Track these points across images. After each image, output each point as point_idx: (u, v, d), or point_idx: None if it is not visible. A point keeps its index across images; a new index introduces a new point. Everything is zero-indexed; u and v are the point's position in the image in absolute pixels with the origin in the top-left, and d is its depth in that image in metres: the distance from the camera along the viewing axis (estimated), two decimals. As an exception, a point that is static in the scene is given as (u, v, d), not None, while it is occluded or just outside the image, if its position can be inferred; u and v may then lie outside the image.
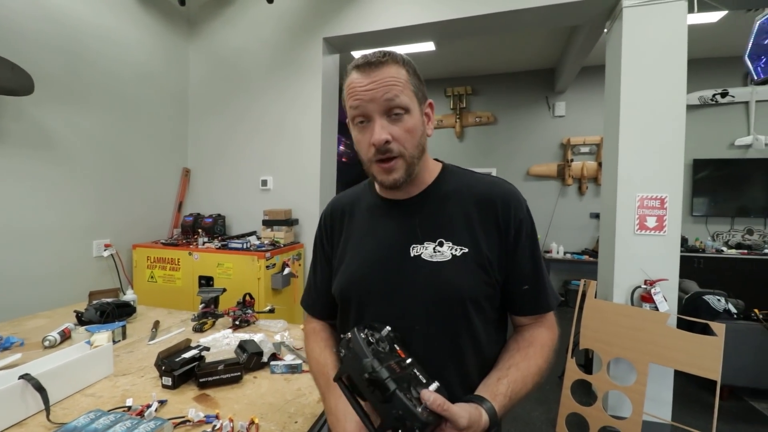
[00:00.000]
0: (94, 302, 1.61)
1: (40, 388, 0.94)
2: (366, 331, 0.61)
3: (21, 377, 0.93)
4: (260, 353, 1.22)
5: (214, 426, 0.90)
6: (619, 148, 2.30)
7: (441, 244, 0.71)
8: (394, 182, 0.71)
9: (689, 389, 2.78)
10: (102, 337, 1.32)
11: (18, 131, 2.08)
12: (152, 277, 2.70)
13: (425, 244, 0.72)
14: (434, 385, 0.57)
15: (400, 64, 0.69)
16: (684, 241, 4.45)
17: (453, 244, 0.70)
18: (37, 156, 2.18)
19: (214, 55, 3.24)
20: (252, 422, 0.90)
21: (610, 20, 2.50)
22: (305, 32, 2.98)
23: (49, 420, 0.91)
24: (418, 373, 0.59)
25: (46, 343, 1.33)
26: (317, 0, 2.94)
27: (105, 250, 2.55)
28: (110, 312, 1.55)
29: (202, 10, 3.25)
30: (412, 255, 0.72)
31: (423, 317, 0.70)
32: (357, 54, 4.39)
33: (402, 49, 4.03)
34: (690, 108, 4.59)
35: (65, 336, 1.40)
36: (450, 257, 0.70)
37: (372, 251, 0.77)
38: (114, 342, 1.38)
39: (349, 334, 0.60)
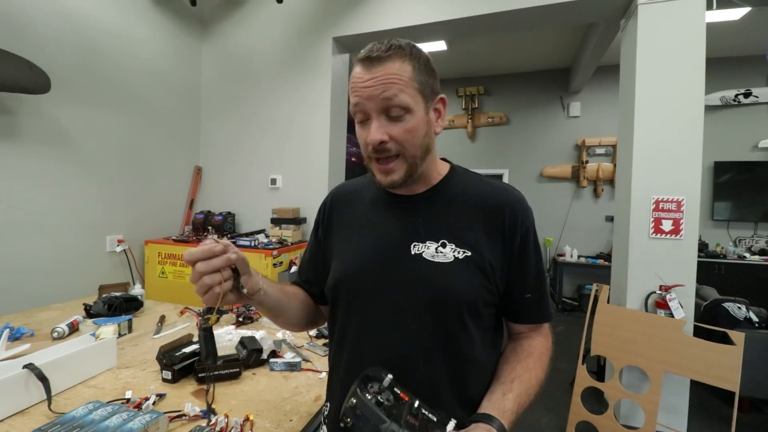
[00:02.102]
0: (103, 296, 1.64)
1: (42, 378, 0.96)
2: (368, 386, 0.57)
3: (25, 366, 0.95)
4: (260, 350, 1.21)
5: (209, 421, 0.90)
6: (634, 149, 2.24)
7: (444, 245, 0.69)
8: (392, 183, 0.69)
9: (707, 400, 2.68)
10: (108, 329, 1.34)
11: (35, 129, 2.15)
12: (163, 272, 2.74)
13: (427, 243, 0.70)
14: (451, 424, 0.56)
15: (406, 59, 0.65)
16: (704, 246, 4.31)
17: (456, 246, 0.68)
18: (53, 153, 2.24)
19: (225, 54, 3.28)
20: (247, 419, 0.90)
21: (625, 17, 2.44)
22: (315, 32, 2.99)
23: (50, 409, 0.92)
24: (428, 414, 0.57)
25: (55, 335, 1.35)
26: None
27: (118, 245, 2.60)
28: (118, 305, 1.57)
29: (214, 10, 3.30)
30: (413, 253, 0.70)
31: (419, 316, 0.69)
32: (369, 54, 4.39)
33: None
34: (711, 109, 4.45)
35: (74, 328, 1.42)
36: (452, 259, 0.68)
37: (371, 245, 0.75)
38: (120, 335, 1.40)
39: (353, 400, 0.54)
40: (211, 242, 0.61)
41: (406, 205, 0.75)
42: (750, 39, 3.88)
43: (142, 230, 2.82)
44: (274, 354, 1.25)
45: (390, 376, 0.59)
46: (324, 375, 1.17)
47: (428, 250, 0.69)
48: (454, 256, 0.68)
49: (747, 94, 4.34)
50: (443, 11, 2.66)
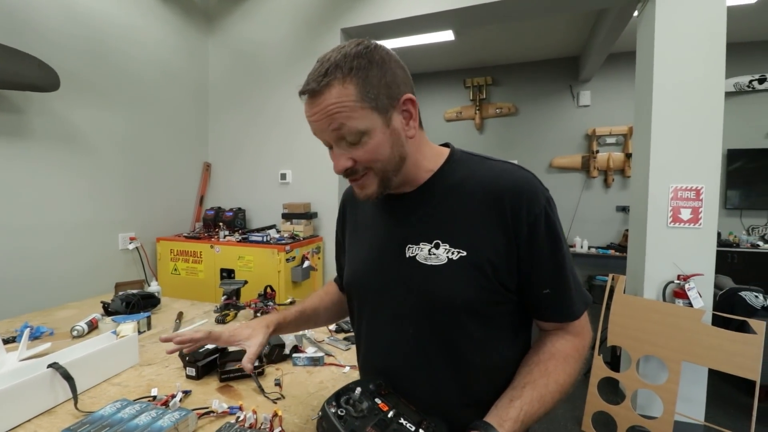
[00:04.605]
0: (120, 293, 1.63)
1: (68, 377, 0.95)
2: (341, 400, 0.60)
3: (50, 366, 0.94)
4: (282, 345, 1.21)
5: (238, 417, 0.89)
6: (652, 137, 2.19)
7: (437, 246, 0.65)
8: (368, 197, 0.67)
9: (721, 389, 2.66)
10: (128, 327, 1.34)
11: (45, 127, 2.14)
12: (175, 269, 2.75)
13: (421, 245, 0.67)
14: None
15: (346, 80, 0.58)
16: (717, 235, 4.26)
17: (450, 246, 0.64)
18: (63, 151, 2.24)
19: (232, 49, 3.25)
20: (275, 414, 0.89)
21: (642, 2, 2.37)
22: (323, 23, 2.95)
23: (77, 408, 0.91)
24: (404, 422, 0.57)
25: (75, 333, 1.35)
26: (334, -10, 2.91)
27: (130, 243, 2.61)
28: (136, 303, 1.57)
29: (219, 3, 3.27)
30: (407, 256, 0.68)
31: (416, 321, 0.67)
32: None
33: (420, 39, 3.95)
34: (724, 95, 4.37)
35: (93, 326, 1.42)
36: (446, 261, 0.64)
37: (370, 249, 0.75)
38: (139, 332, 1.40)
39: (320, 413, 0.59)
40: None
41: (400, 204, 0.72)
42: (766, 23, 3.78)
43: (153, 228, 2.82)
44: (296, 349, 1.24)
45: (360, 388, 0.61)
46: (348, 369, 1.16)
47: (422, 252, 0.66)
48: (447, 257, 0.64)
49: (762, 80, 4.25)
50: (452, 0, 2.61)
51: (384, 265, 0.71)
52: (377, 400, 0.60)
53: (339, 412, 0.57)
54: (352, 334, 1.40)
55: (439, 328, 0.66)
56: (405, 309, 0.68)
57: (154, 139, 2.82)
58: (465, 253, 0.63)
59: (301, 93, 0.62)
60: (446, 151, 0.73)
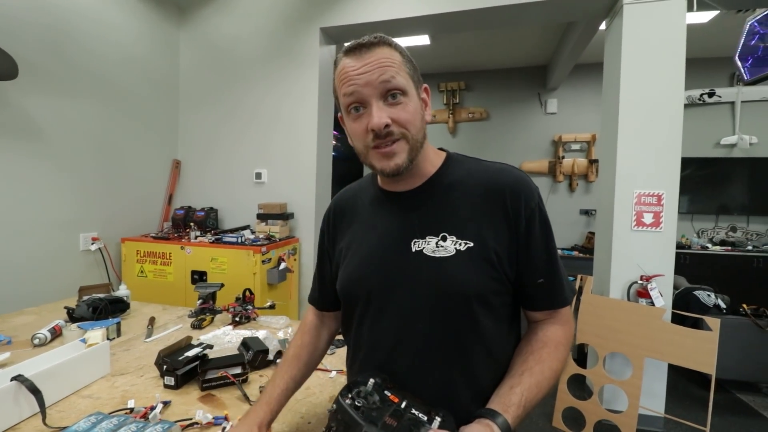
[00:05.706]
0: (86, 298, 1.53)
1: (34, 390, 0.88)
2: (352, 392, 0.59)
3: (14, 378, 0.87)
4: (266, 351, 1.17)
5: (224, 428, 0.86)
6: (618, 145, 2.31)
7: (444, 239, 0.67)
8: (396, 168, 0.66)
9: (679, 383, 2.84)
10: (96, 334, 1.26)
11: (0, 118, 1.97)
12: (142, 271, 2.61)
13: (427, 239, 0.68)
14: (436, 422, 0.57)
15: (393, 47, 0.67)
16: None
17: (457, 238, 0.66)
18: (20, 145, 2.07)
19: (206, 43, 3.14)
20: (264, 424, 0.86)
21: (609, 17, 2.50)
22: (301, 21, 2.90)
23: (45, 424, 0.85)
24: (416, 413, 0.58)
25: (36, 341, 1.26)
26: (314, -12, 2.87)
27: (92, 243, 2.45)
28: (103, 308, 1.47)
29: (193, -5, 3.14)
30: (413, 250, 0.68)
31: (426, 315, 0.67)
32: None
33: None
34: (679, 107, 4.67)
35: (56, 333, 1.33)
36: (454, 252, 0.66)
37: (372, 248, 0.74)
38: (109, 339, 1.32)
39: (334, 405, 0.58)
40: None
41: (403, 201, 0.74)
42: (715, 42, 4.09)
43: (117, 227, 2.66)
44: (280, 355, 1.21)
45: (372, 380, 0.61)
46: (334, 374, 1.14)
47: (428, 245, 0.68)
48: (455, 248, 0.66)
49: (711, 94, 4.58)
50: (431, 5, 2.64)
51: (389, 262, 0.70)
52: (387, 393, 0.61)
53: (356, 404, 0.57)
54: (339, 338, 1.38)
55: (451, 321, 0.66)
56: (414, 305, 0.68)
57: (119, 133, 2.66)
58: (472, 244, 0.66)
59: (351, 48, 0.66)
60: (444, 153, 0.78)
